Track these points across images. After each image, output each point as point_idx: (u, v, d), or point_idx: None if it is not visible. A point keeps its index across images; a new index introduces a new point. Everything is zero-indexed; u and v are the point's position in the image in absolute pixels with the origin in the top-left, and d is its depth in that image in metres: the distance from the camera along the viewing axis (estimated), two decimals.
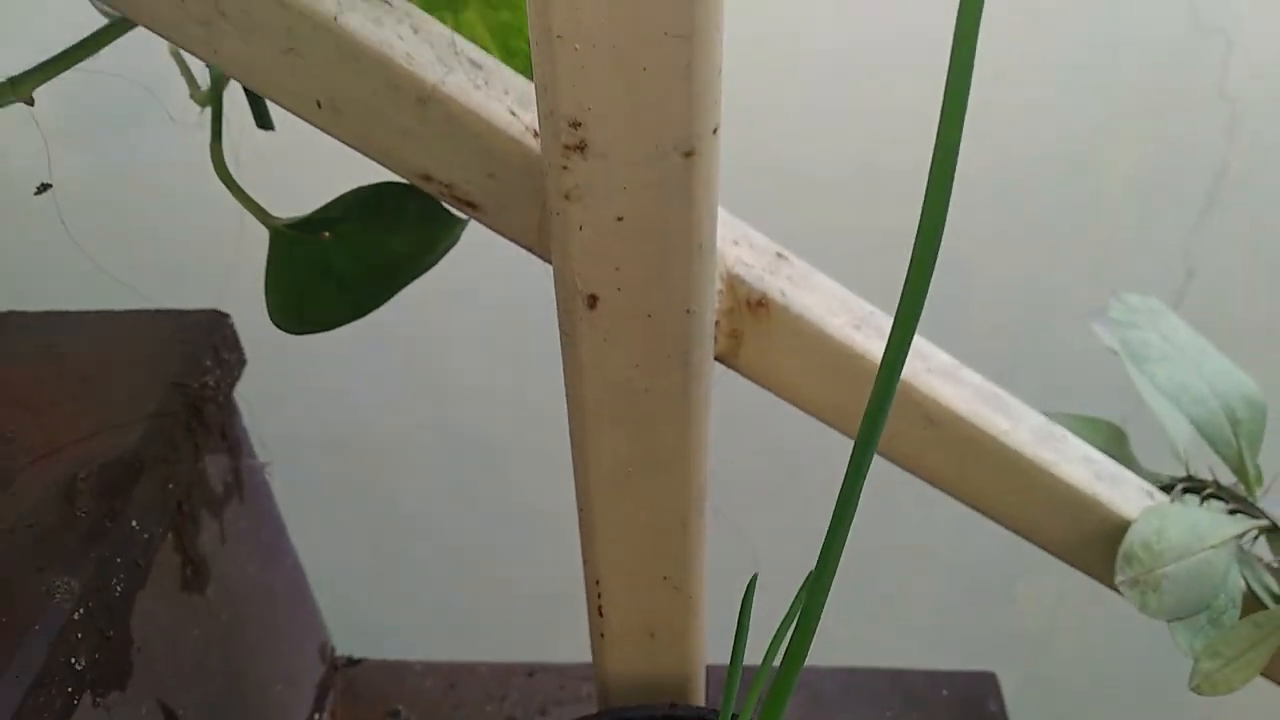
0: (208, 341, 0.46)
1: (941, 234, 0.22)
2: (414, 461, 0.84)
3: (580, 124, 0.27)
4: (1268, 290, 0.82)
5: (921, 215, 0.22)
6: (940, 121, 0.19)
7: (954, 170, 0.21)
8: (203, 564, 0.46)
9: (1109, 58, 0.73)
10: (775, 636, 0.32)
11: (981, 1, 0.18)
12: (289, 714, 0.57)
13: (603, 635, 0.42)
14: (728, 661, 0.33)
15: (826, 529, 0.25)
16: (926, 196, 0.21)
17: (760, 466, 0.80)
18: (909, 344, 0.25)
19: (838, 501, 0.27)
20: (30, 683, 0.32)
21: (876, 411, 0.26)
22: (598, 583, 0.40)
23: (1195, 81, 0.74)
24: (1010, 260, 0.82)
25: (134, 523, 0.38)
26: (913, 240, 0.22)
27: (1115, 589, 0.45)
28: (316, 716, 0.60)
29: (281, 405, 0.77)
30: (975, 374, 0.43)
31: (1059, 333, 0.81)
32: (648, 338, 0.32)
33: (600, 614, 0.41)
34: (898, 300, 0.23)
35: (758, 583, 0.32)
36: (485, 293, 0.76)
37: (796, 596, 0.28)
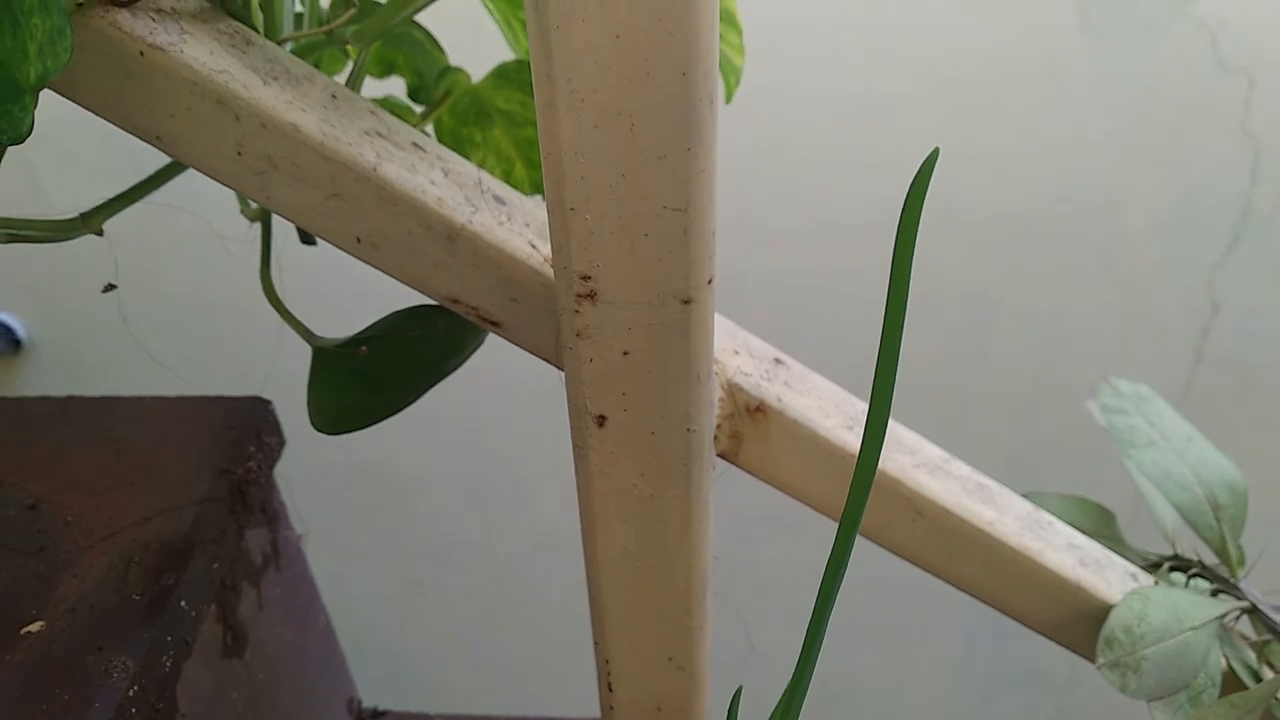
0: (251, 427, 0.50)
1: (900, 344, 0.25)
2: (442, 517, 0.87)
3: (590, 277, 0.30)
4: None
5: (882, 333, 0.25)
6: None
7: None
8: (241, 630, 0.50)
9: (1133, 98, 0.74)
10: (774, 713, 0.34)
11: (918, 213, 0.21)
12: None
13: (612, 708, 0.45)
14: None
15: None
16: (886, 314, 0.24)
17: (761, 554, 0.83)
18: (879, 450, 0.28)
19: (820, 591, 0.30)
20: None
21: (854, 510, 0.29)
22: (608, 662, 0.43)
23: (1219, 120, 0.75)
24: (1034, 296, 0.83)
25: (182, 602, 0.42)
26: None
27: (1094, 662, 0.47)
28: None
29: (317, 479, 0.81)
30: (964, 466, 0.46)
31: (1083, 372, 0.82)
32: (651, 452, 0.35)
33: (610, 689, 0.44)
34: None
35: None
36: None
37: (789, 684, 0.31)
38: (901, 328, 0.25)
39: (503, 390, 0.82)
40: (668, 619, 0.41)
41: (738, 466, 0.43)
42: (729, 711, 0.30)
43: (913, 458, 0.44)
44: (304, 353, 0.41)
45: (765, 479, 0.43)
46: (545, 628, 0.87)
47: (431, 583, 0.87)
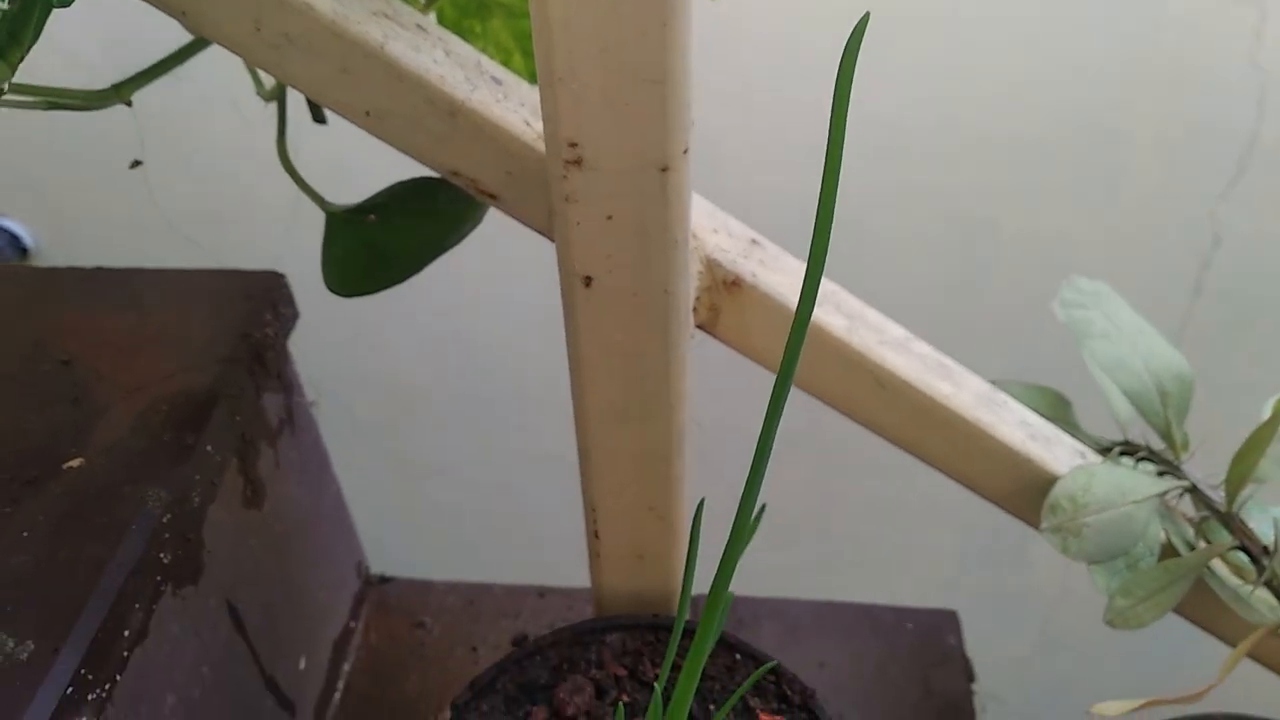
0: (267, 298, 0.54)
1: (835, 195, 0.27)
2: (443, 408, 0.91)
3: (576, 144, 0.33)
4: None
5: (822, 181, 0.27)
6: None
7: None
8: (260, 485, 0.54)
9: (1143, 24, 0.74)
10: (723, 559, 0.39)
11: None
12: (329, 618, 0.65)
13: (598, 556, 0.50)
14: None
15: (749, 470, 0.31)
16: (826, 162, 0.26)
17: (742, 421, 0.86)
18: (815, 296, 0.31)
19: (760, 436, 0.33)
20: (130, 569, 0.40)
21: (792, 354, 0.32)
22: (594, 510, 0.47)
23: (1228, 50, 0.75)
24: (1037, 223, 0.83)
25: (208, 447, 0.46)
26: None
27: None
28: (352, 624, 0.69)
29: (326, 355, 0.85)
30: (926, 346, 0.50)
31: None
32: (633, 312, 0.39)
33: (596, 537, 0.49)
34: None
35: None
36: (505, 265, 0.83)
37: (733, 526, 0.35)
38: (837, 176, 0.28)
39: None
40: (648, 470, 0.45)
41: (715, 337, 0.47)
42: (693, 520, 0.34)
43: (878, 335, 0.48)
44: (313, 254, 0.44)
45: (740, 349, 0.47)
46: (542, 509, 0.92)
47: (435, 464, 0.92)
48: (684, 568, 0.39)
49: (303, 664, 0.61)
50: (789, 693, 0.46)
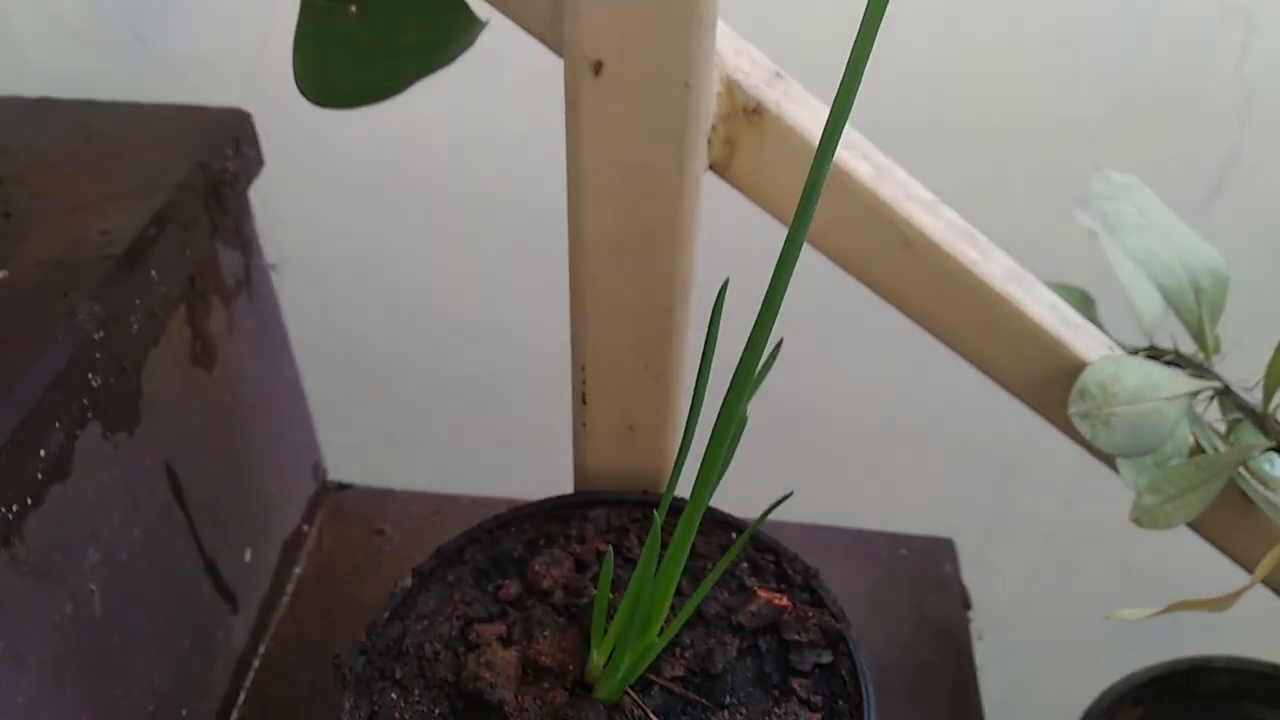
0: (230, 134, 0.48)
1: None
2: (410, 309, 0.85)
3: None
4: (1269, 279, 0.82)
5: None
6: None
7: None
8: (211, 345, 0.49)
9: (1131, 30, 0.72)
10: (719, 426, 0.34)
11: None
12: (280, 515, 0.60)
13: (584, 424, 0.45)
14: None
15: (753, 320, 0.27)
16: None
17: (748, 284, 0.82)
18: (843, 124, 0.26)
19: (767, 294, 0.28)
20: (51, 381, 0.35)
21: (813, 188, 0.27)
22: (583, 368, 0.43)
23: (1214, 62, 0.74)
24: (1010, 224, 0.82)
25: (153, 272, 0.41)
26: None
27: (1063, 428, 0.48)
28: (305, 528, 0.64)
29: (290, 230, 0.78)
30: (953, 212, 0.45)
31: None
32: (647, 109, 0.34)
33: (584, 402, 0.44)
34: None
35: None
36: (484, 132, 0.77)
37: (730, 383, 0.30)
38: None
39: None
40: (647, 322, 0.41)
41: (728, 181, 0.42)
42: (716, 300, 0.29)
43: (905, 190, 0.43)
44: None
45: (753, 195, 0.42)
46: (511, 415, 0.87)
47: (403, 363, 0.86)
48: (680, 441, 0.35)
49: (248, 556, 0.56)
50: (790, 572, 0.42)
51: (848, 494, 0.88)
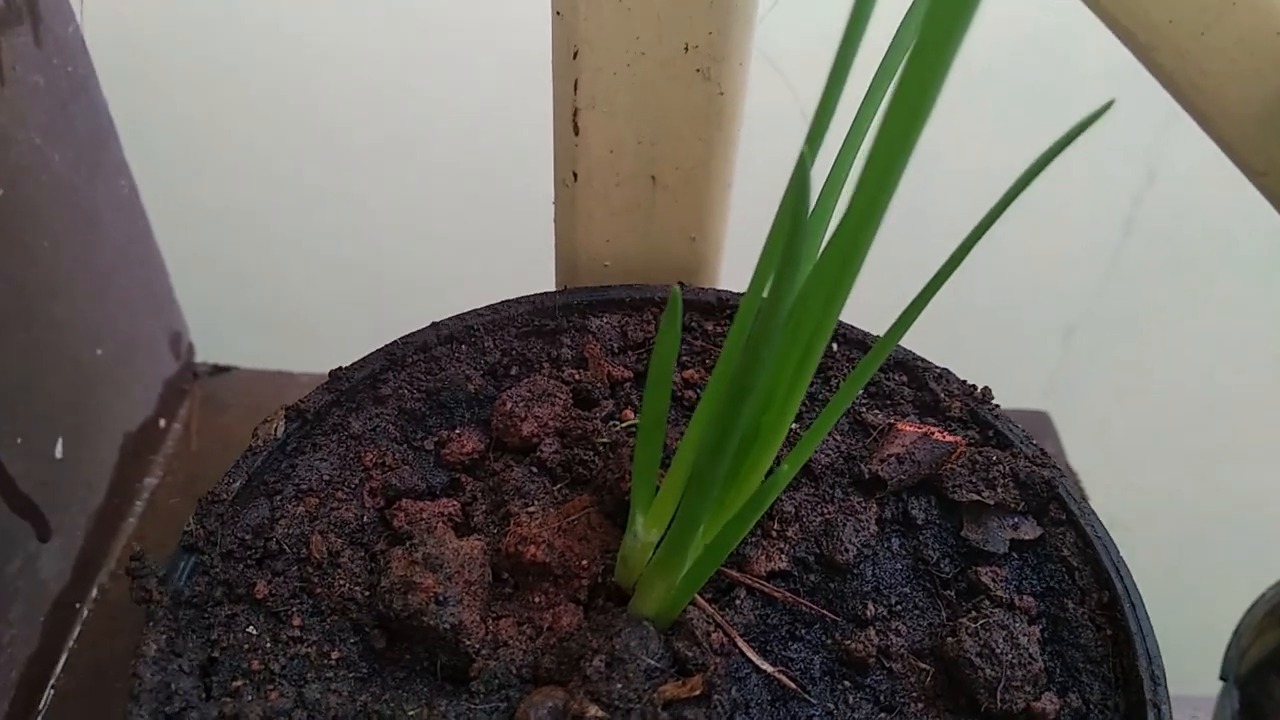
0: None
1: None
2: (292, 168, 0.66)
3: None
4: (1227, 199, 0.75)
5: None
6: None
7: None
8: None
9: None
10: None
11: None
12: (117, 399, 0.41)
13: (575, 177, 0.27)
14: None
15: None
16: None
17: None
18: None
19: None
20: None
21: None
22: (575, 55, 0.25)
23: None
24: (974, 152, 0.72)
25: None
26: None
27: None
28: (162, 422, 0.45)
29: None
30: None
31: (1014, 231, 0.72)
32: None
33: (575, 133, 0.26)
34: None
35: None
36: None
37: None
38: None
39: None
40: None
41: None
42: None
43: None
44: None
45: None
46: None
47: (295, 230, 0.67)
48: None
49: (59, 451, 0.37)
50: (942, 397, 0.25)
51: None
